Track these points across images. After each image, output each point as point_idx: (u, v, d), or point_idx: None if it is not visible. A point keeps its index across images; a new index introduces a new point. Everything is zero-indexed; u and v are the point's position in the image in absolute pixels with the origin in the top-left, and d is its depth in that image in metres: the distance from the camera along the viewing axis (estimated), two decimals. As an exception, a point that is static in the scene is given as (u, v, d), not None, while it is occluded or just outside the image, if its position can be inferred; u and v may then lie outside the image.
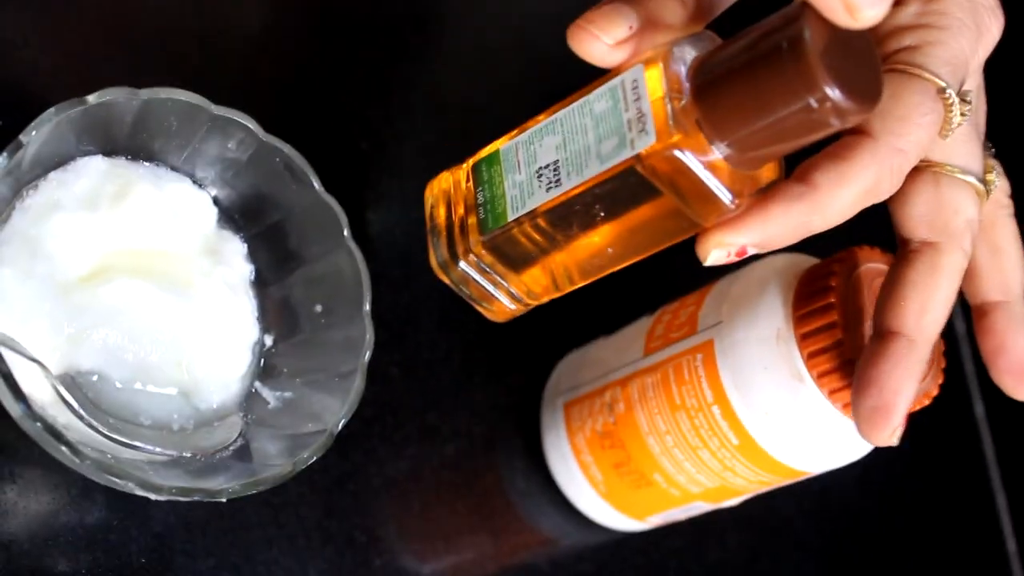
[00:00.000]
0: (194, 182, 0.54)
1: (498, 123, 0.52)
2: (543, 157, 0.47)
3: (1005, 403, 0.51)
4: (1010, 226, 0.51)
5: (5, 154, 0.47)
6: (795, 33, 0.41)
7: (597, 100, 0.46)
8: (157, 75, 0.52)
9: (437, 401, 0.62)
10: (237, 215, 0.55)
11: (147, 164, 0.53)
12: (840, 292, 0.51)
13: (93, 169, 0.52)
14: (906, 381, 0.47)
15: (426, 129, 0.51)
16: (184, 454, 0.50)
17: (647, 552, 0.65)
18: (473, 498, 0.62)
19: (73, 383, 0.49)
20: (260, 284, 0.55)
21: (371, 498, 0.58)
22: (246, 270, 0.55)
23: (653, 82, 0.44)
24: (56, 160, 0.51)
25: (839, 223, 0.45)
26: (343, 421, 0.51)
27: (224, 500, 0.48)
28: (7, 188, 0.49)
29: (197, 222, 0.54)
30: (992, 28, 0.47)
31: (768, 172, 0.46)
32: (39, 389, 0.47)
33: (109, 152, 0.52)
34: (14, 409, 0.45)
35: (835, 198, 0.45)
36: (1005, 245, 0.51)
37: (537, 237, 0.47)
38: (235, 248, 0.55)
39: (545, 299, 0.50)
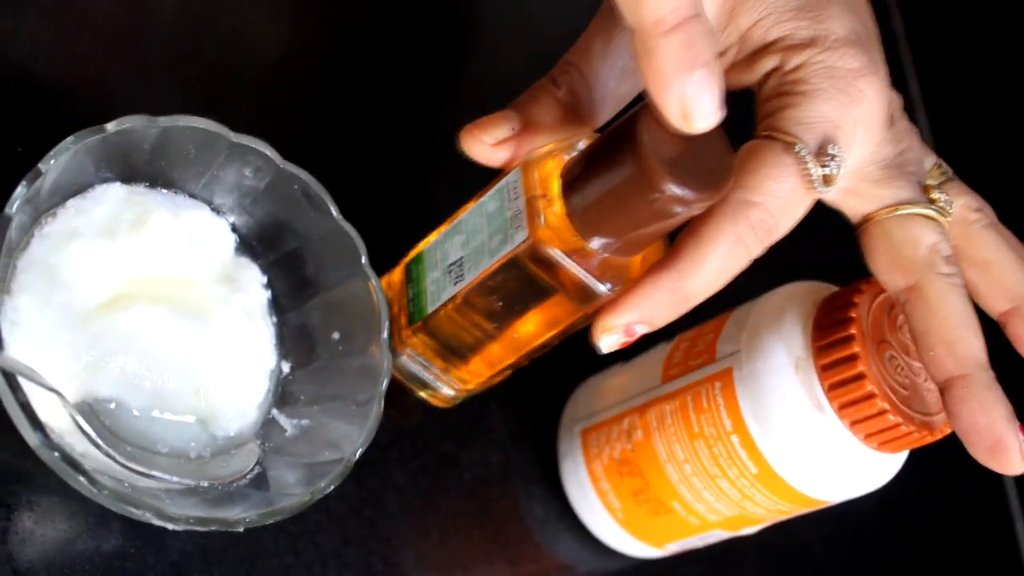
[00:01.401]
0: (212, 209, 0.54)
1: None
2: (452, 254, 0.52)
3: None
4: (989, 236, 0.52)
5: (24, 183, 0.47)
6: (634, 134, 0.45)
7: (489, 200, 0.51)
8: (174, 102, 0.52)
9: (454, 429, 0.61)
10: (255, 242, 0.55)
11: (165, 191, 0.53)
12: (861, 322, 0.51)
13: (111, 197, 0.52)
14: (991, 410, 0.47)
15: (446, 154, 0.51)
16: (201, 483, 0.50)
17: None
18: (490, 526, 0.61)
19: (91, 411, 0.49)
20: (278, 311, 0.55)
21: (389, 526, 0.58)
22: (264, 297, 0.55)
23: (530, 182, 0.49)
24: (75, 188, 0.51)
25: (717, 287, 0.47)
26: (361, 449, 0.51)
27: (241, 530, 0.48)
28: (26, 216, 0.49)
29: (215, 249, 0.54)
30: (867, 91, 0.48)
31: (653, 253, 0.49)
32: (57, 417, 0.47)
33: (127, 179, 0.52)
34: (32, 438, 0.45)
35: (698, 260, 0.47)
36: (990, 256, 0.51)
37: (454, 328, 0.53)
38: (253, 275, 0.55)
39: (481, 380, 0.56)
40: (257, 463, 0.52)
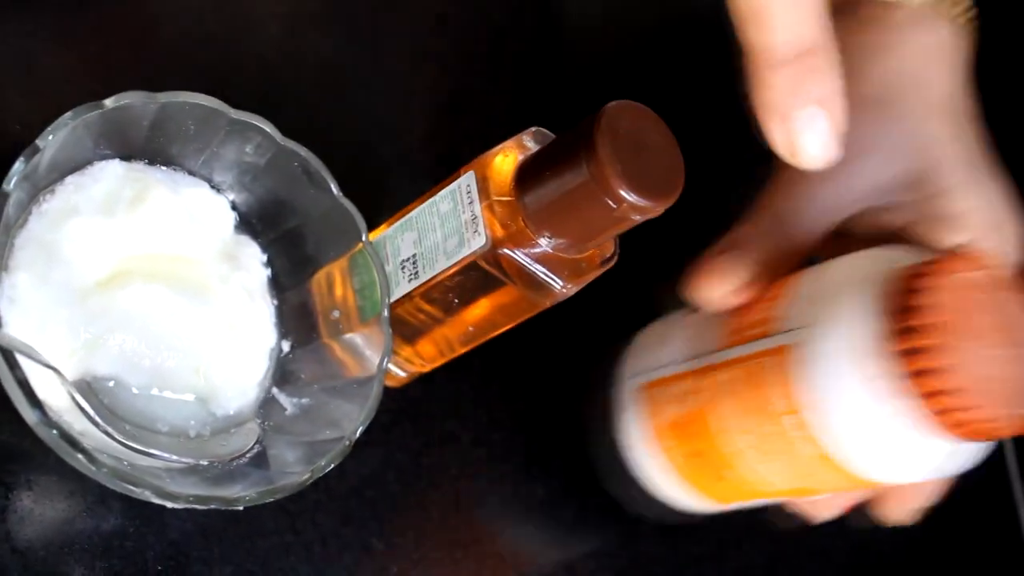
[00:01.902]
0: (212, 187, 0.54)
1: (516, 126, 0.52)
2: (405, 250, 0.54)
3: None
4: None
5: (22, 159, 0.47)
6: (590, 139, 0.47)
7: (442, 201, 0.52)
8: (175, 79, 0.52)
9: (456, 407, 0.61)
10: (255, 220, 0.55)
11: (165, 168, 0.53)
12: (948, 304, 0.47)
13: (110, 174, 0.51)
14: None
15: (445, 133, 0.51)
16: (201, 462, 0.49)
17: (665, 560, 0.65)
18: (491, 507, 0.61)
19: (89, 389, 0.49)
20: (278, 289, 0.55)
21: (389, 505, 0.58)
22: (264, 275, 0.54)
23: (485, 185, 0.50)
24: (73, 165, 0.51)
25: None
26: (361, 428, 0.51)
27: (241, 508, 0.48)
28: (24, 193, 0.49)
29: (215, 227, 0.53)
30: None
31: (606, 247, 0.51)
32: (55, 395, 0.47)
33: (126, 156, 0.52)
34: (30, 416, 0.45)
35: None
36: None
37: (408, 318, 0.54)
38: (253, 253, 0.54)
39: (435, 365, 0.57)
40: (257, 442, 0.51)
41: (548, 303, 0.52)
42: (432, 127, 0.64)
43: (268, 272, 0.55)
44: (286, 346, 0.54)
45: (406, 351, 0.57)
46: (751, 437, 0.52)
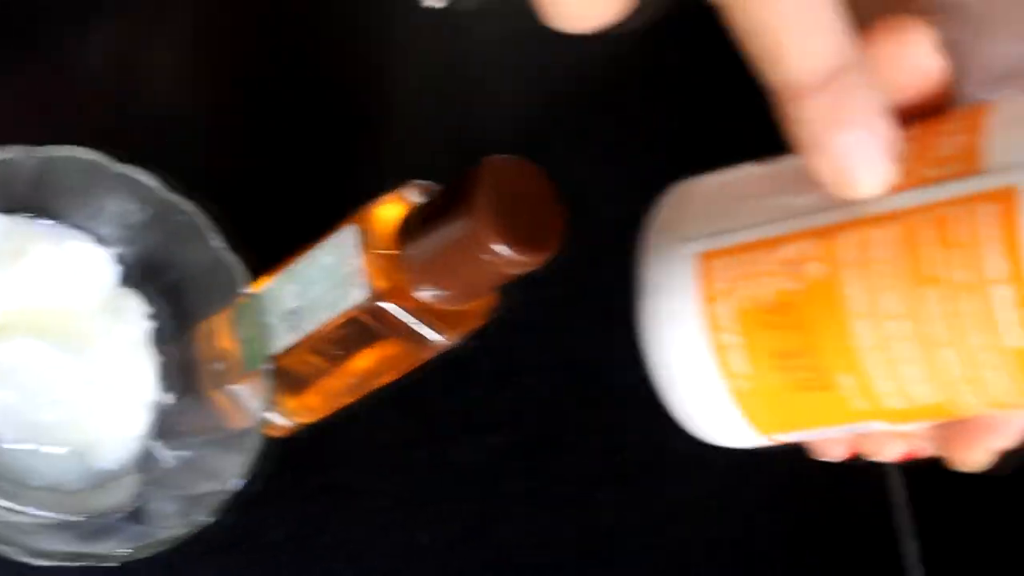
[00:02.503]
0: (96, 239, 0.54)
1: (402, 178, 0.53)
2: (287, 303, 0.53)
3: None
4: None
5: (-101, 214, 0.47)
6: (469, 192, 0.47)
7: (324, 254, 0.52)
8: (66, 132, 0.52)
9: (342, 456, 0.61)
10: (139, 273, 0.55)
11: (48, 222, 0.53)
12: None
13: (-9, 228, 0.51)
14: None
15: (331, 185, 0.52)
16: (77, 517, 0.50)
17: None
18: (379, 559, 0.61)
19: (-37, 446, 0.49)
20: (161, 341, 0.55)
21: (269, 557, 0.58)
22: (146, 327, 0.55)
23: (367, 238, 0.50)
24: (-46, 219, 0.51)
25: None
26: (240, 480, 0.51)
27: (117, 564, 0.48)
28: (-98, 247, 0.49)
29: (97, 280, 0.54)
30: None
31: (487, 302, 0.51)
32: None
33: (9, 210, 0.52)
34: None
35: None
36: None
37: (293, 369, 0.54)
38: (135, 306, 0.55)
39: (321, 415, 0.57)
40: (136, 495, 0.52)
41: (431, 355, 0.52)
42: (319, 179, 0.64)
43: (151, 324, 0.55)
44: (168, 398, 0.55)
45: (292, 402, 0.57)
46: (918, 321, 0.38)
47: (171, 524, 0.50)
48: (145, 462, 0.53)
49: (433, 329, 0.51)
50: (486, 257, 0.47)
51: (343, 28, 0.67)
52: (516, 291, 0.51)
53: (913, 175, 0.38)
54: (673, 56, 0.73)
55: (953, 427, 0.43)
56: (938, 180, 0.38)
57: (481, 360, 0.62)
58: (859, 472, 0.49)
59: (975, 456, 0.43)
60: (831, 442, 0.46)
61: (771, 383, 0.41)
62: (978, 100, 0.40)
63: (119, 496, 0.51)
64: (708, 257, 0.41)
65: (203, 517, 0.50)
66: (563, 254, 0.48)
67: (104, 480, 0.52)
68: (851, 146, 0.36)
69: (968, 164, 0.37)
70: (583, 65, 0.71)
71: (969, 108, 0.39)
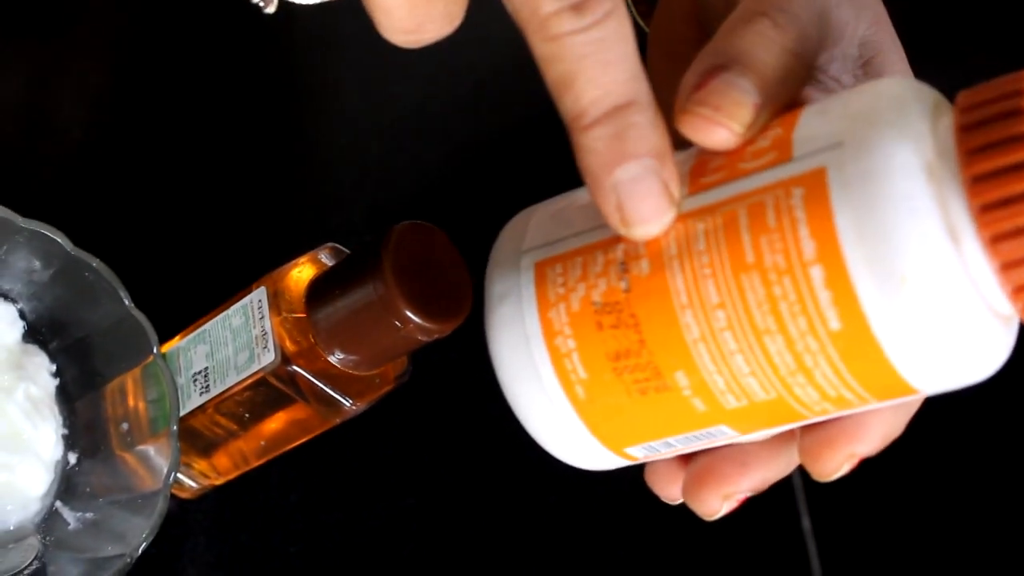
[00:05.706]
0: (0, 295, 0.53)
1: (315, 241, 0.52)
2: (197, 363, 0.53)
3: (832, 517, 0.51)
4: None
5: None
6: (379, 261, 0.47)
7: (234, 315, 0.52)
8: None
9: (252, 519, 0.60)
10: (44, 329, 0.54)
11: (-50, 277, 0.52)
12: None
13: None
14: None
15: (243, 246, 0.51)
16: (-27, 580, 0.48)
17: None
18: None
19: None
20: (67, 399, 0.54)
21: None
22: (51, 385, 0.54)
23: (276, 301, 0.51)
24: None
25: None
26: (145, 543, 0.50)
27: (14, 629, 0.47)
28: None
29: (1, 336, 0.53)
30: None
31: (397, 366, 0.52)
32: None
33: (-91, 265, 0.51)
34: None
35: None
36: None
37: (202, 431, 0.54)
38: (41, 363, 0.54)
39: (231, 477, 0.56)
40: (36, 558, 0.50)
41: (339, 420, 0.52)
42: (230, 239, 0.63)
43: (56, 382, 0.54)
44: (73, 458, 0.53)
45: (201, 464, 0.56)
46: (741, 308, 0.37)
47: (73, 588, 0.49)
48: (48, 523, 0.52)
49: (343, 394, 0.50)
50: (395, 323, 0.47)
51: (262, 85, 0.67)
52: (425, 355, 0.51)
53: (732, 166, 0.39)
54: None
55: (813, 435, 0.42)
56: (754, 171, 0.38)
57: (393, 421, 0.62)
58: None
59: (833, 465, 0.42)
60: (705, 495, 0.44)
61: (609, 387, 0.40)
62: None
63: (20, 557, 0.50)
64: (543, 265, 0.41)
65: (105, 581, 0.49)
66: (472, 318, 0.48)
67: (5, 541, 0.50)
68: (630, 180, 0.36)
69: (781, 153, 0.38)
70: (503, 128, 0.71)
71: (790, 112, 0.40)
